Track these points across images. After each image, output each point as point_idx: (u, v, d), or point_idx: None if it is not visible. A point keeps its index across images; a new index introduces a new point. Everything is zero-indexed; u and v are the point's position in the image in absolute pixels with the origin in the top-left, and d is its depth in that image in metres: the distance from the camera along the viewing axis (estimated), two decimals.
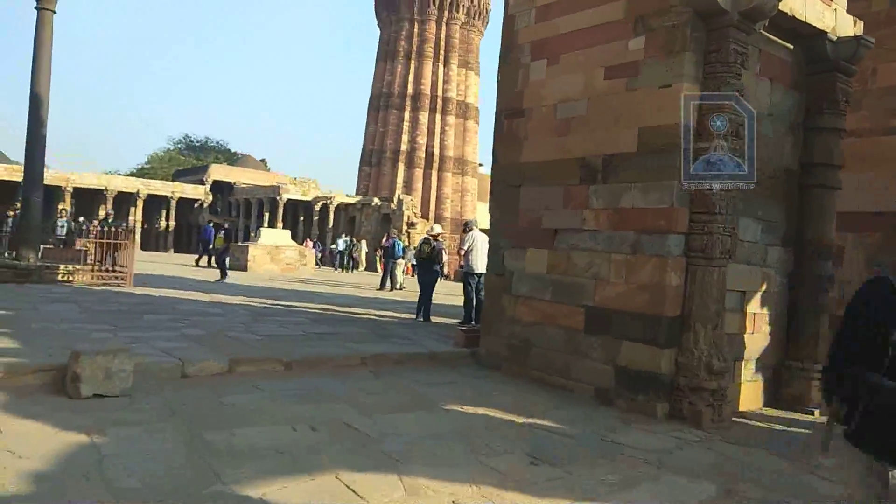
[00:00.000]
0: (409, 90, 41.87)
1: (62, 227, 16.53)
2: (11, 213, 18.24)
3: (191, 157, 60.70)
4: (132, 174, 53.41)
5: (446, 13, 42.40)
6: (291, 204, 40.61)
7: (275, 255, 23.15)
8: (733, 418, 5.65)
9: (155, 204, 43.73)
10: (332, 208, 38.50)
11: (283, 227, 35.56)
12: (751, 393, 6.22)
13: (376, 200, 36.06)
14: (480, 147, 44.42)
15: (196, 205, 43.75)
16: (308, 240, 34.58)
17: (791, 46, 6.40)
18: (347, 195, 40.15)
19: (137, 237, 40.78)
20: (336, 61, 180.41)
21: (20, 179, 14.71)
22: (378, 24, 44.83)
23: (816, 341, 6.44)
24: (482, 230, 9.69)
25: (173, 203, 43.04)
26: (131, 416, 4.36)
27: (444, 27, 42.53)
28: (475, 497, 3.43)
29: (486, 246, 8.04)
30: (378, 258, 26.06)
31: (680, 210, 5.50)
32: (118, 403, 4.61)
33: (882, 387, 2.07)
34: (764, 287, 6.28)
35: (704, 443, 4.87)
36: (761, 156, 6.12)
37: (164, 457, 3.63)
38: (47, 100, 12.89)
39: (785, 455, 4.72)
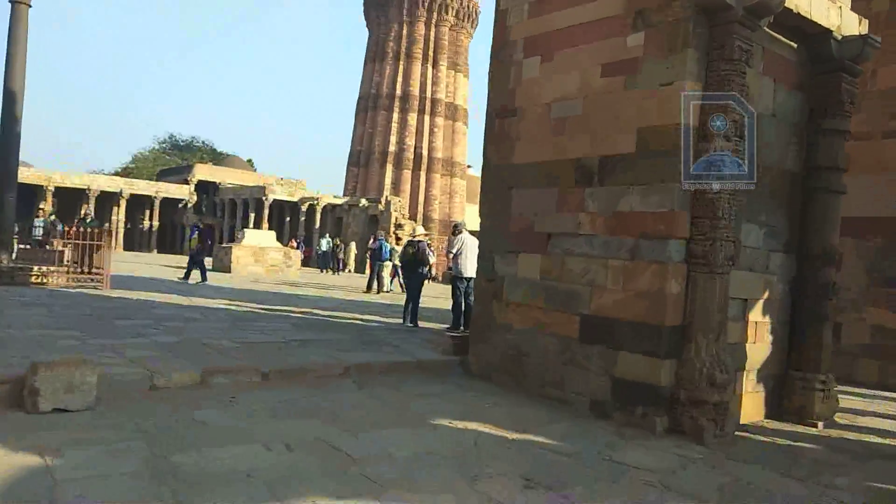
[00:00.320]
0: (398, 91, 41.60)
1: (39, 227, 16.03)
2: None
3: (176, 157, 60.08)
4: (116, 174, 52.74)
5: (435, 15, 42.20)
6: (277, 204, 40.17)
7: (259, 257, 22.71)
8: (736, 432, 5.38)
9: (138, 204, 43.14)
10: (318, 209, 38.09)
11: (269, 228, 35.12)
12: (752, 405, 5.96)
13: (364, 201, 35.68)
14: (469, 149, 44.27)
15: (180, 205, 43.19)
16: (293, 240, 34.08)
17: (795, 45, 6.15)
18: (335, 196, 39.77)
19: (120, 237, 40.40)
20: (325, 62, 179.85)
21: None
22: (367, 25, 44.52)
23: (820, 351, 6.19)
24: (472, 233, 9.40)
25: (157, 203, 42.46)
26: (93, 433, 4.02)
27: (433, 28, 42.31)
28: None
29: (476, 249, 7.75)
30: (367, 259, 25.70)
31: (681, 214, 5.22)
32: (80, 419, 4.29)
33: None
34: (766, 295, 6.02)
35: (708, 460, 4.59)
36: (764, 158, 5.88)
37: (124, 483, 3.29)
38: (22, 96, 12.47)
39: (794, 474, 4.44)
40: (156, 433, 4.11)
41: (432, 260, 14.82)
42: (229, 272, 21.36)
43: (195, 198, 44.11)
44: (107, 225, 38.42)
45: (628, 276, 5.47)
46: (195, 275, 15.64)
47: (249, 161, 60.64)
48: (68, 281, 12.06)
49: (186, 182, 44.14)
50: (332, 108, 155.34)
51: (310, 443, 4.14)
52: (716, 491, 3.99)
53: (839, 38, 6.12)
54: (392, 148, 41.46)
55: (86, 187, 39.15)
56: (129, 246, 41.87)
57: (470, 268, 9.00)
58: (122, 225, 41.37)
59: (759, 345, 6.00)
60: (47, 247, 14.42)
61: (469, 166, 43.70)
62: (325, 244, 30.03)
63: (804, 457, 5.00)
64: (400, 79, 41.68)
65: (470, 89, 44.34)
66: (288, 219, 40.58)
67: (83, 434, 3.99)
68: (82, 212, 30.19)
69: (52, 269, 12.16)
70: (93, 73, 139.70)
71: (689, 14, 5.23)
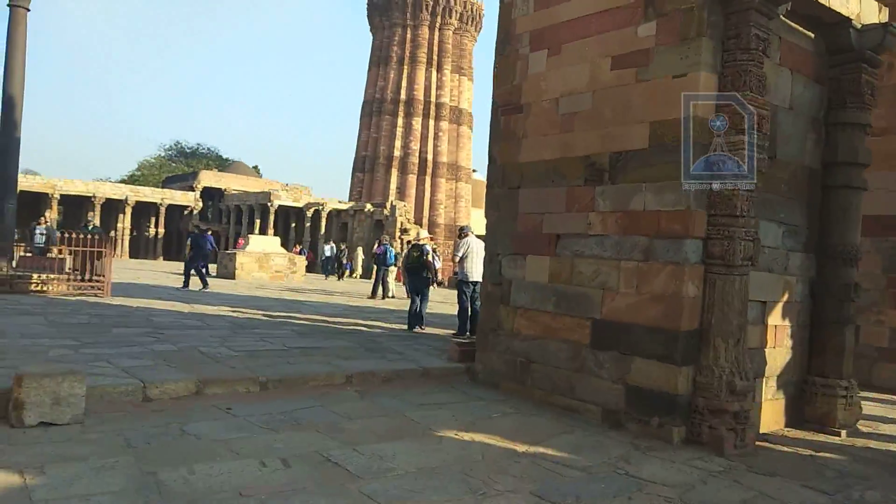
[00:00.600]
0: (402, 96, 41.48)
1: (41, 234, 15.87)
2: None
3: (182, 164, 60.16)
4: (123, 181, 52.78)
5: (439, 19, 42.10)
6: (283, 210, 40.05)
7: (263, 263, 22.51)
8: (756, 442, 5.11)
9: (144, 211, 43.09)
10: (324, 215, 37.93)
11: (275, 234, 34.96)
12: (772, 413, 5.68)
13: (369, 206, 35.52)
14: (474, 153, 44.11)
15: (185, 211, 43.10)
16: (296, 245, 33.88)
17: (812, 35, 5.89)
18: (340, 201, 39.62)
19: (126, 244, 40.34)
20: (331, 67, 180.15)
21: None
22: (371, 30, 44.45)
23: (842, 355, 5.91)
24: (478, 237, 9.18)
25: (162, 210, 42.38)
26: (79, 448, 3.80)
27: (436, 32, 42.20)
28: None
29: (483, 252, 7.51)
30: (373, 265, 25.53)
31: (697, 212, 4.97)
32: (66, 433, 4.07)
33: None
34: (786, 296, 5.75)
35: (730, 474, 4.33)
36: (782, 153, 5.63)
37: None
38: (21, 102, 12.32)
39: (821, 488, 4.17)
40: (145, 448, 3.90)
41: (438, 265, 14.60)
42: (234, 278, 21.18)
43: (200, 204, 44.03)
44: (113, 233, 38.54)
45: (642, 279, 5.21)
46: (195, 281, 15.39)
47: (256, 168, 60.66)
48: (69, 289, 11.88)
49: (192, 189, 44.07)
50: (338, 113, 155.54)
51: (307, 457, 3.90)
52: None
53: (858, 26, 5.86)
54: (397, 153, 41.32)
55: (91, 195, 39.07)
56: (134, 253, 41.80)
57: (476, 271, 8.79)
58: (127, 232, 41.29)
59: (778, 349, 5.73)
60: (49, 254, 14.25)
61: (474, 170, 43.52)
62: (328, 250, 29.80)
63: (830, 468, 4.72)
64: (404, 83, 41.57)
65: (474, 93, 44.22)
66: (293, 225, 40.44)
67: (68, 449, 3.77)
68: (88, 219, 30.10)
69: (52, 276, 11.97)
70: (99, 82, 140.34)
71: (702, 1, 4.98)
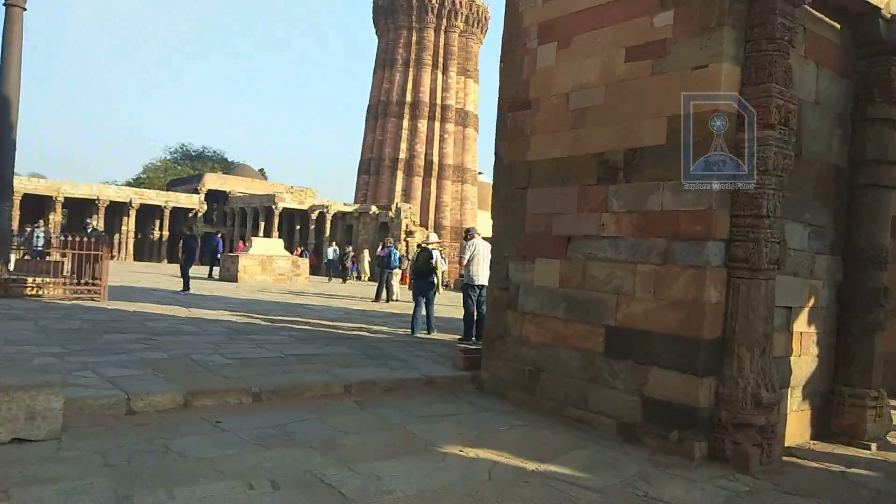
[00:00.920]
0: (408, 98, 41.25)
1: (39, 237, 15.63)
2: None
3: (187, 167, 60.01)
4: (128, 184, 52.64)
5: (445, 21, 41.87)
6: (287, 213, 39.79)
7: (266, 266, 22.24)
8: (782, 457, 4.78)
9: (148, 214, 42.89)
10: (328, 217, 37.66)
11: (279, 237, 34.70)
12: (798, 425, 5.34)
13: (374, 209, 35.22)
14: (480, 155, 43.80)
15: (190, 214, 42.89)
16: (298, 248, 33.59)
17: (838, 26, 5.56)
18: (345, 203, 39.35)
19: (130, 248, 40.15)
20: (335, 70, 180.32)
21: None
22: (376, 33, 44.25)
23: (870, 364, 5.57)
24: (485, 239, 8.88)
25: (167, 213, 42.16)
26: (52, 468, 3.51)
27: (442, 35, 41.97)
28: None
29: (489, 255, 7.20)
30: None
31: (719, 213, 4.63)
32: (41, 451, 3.78)
33: None
34: (812, 302, 5.42)
35: (758, 494, 4.00)
36: (808, 150, 5.30)
37: None
38: (17, 102, 12.07)
39: None
40: (124, 467, 3.59)
41: (444, 267, 14.29)
42: (236, 281, 20.93)
43: (205, 207, 43.83)
44: (117, 236, 38.37)
45: (660, 283, 4.88)
46: (195, 284, 15.09)
47: (261, 170, 60.49)
48: (65, 293, 11.61)
49: (196, 191, 43.86)
50: (344, 115, 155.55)
51: (298, 479, 3.59)
52: None
53: (888, 17, 5.53)
54: (402, 155, 41.08)
55: (95, 198, 38.90)
56: (139, 256, 41.59)
57: (482, 275, 8.49)
58: (132, 235, 41.11)
59: (804, 358, 5.39)
60: (47, 257, 14.00)
61: (480, 173, 43.21)
62: (331, 252, 29.50)
63: (864, 487, 4.39)
64: (410, 86, 41.35)
65: (480, 95, 43.95)
66: (298, 227, 40.19)
67: (40, 470, 3.48)
68: (96, 222, 29.93)
69: (48, 280, 11.70)
70: (106, 86, 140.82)
71: None
